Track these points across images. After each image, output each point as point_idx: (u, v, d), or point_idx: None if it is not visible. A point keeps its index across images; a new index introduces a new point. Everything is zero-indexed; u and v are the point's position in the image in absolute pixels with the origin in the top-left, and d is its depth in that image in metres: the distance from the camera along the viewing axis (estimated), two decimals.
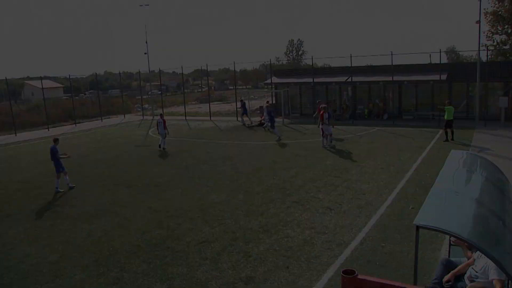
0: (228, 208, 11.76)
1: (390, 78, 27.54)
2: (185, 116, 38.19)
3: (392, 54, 27.43)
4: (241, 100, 31.81)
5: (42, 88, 41.71)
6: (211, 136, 25.40)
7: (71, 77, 43.71)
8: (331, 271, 7.81)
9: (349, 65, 29.29)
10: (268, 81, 37.12)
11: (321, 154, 18.06)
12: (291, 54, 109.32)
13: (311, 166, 16.08)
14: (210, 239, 9.69)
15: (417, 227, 4.78)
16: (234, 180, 14.82)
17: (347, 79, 29.87)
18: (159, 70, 44.57)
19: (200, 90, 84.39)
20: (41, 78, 45.07)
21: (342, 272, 7.11)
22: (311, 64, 34.43)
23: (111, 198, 13.73)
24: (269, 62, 38.39)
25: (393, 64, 27.64)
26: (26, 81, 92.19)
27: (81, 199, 13.84)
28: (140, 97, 49.24)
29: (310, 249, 8.84)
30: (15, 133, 34.12)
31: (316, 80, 30.96)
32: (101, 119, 41.88)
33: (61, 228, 11.24)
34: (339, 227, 9.95)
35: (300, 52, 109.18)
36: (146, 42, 43.56)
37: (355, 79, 29.70)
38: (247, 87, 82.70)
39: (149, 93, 48.89)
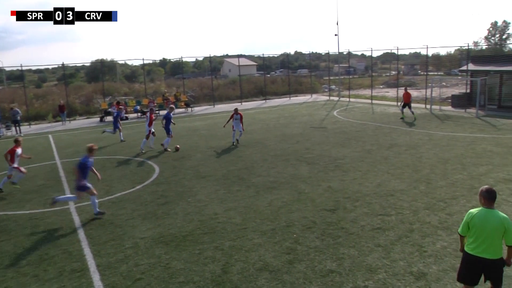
0: (408, 198, 11.44)
1: None
2: (371, 99, 37.63)
3: None
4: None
5: (239, 65, 45.38)
6: (396, 122, 24.65)
7: (264, 56, 46.36)
8: None
9: None
10: (464, 67, 34.27)
11: None
12: (493, 38, 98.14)
13: (506, 165, 14.49)
14: (385, 227, 9.60)
15: None
16: (417, 170, 14.26)
17: None
18: (348, 52, 44.55)
19: (388, 74, 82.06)
20: (238, 56, 48.96)
21: None
22: None
23: (293, 173, 14.50)
24: (467, 47, 35.46)
25: None
26: (225, 59, 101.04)
27: (266, 170, 14.93)
28: (327, 77, 50.00)
29: None
30: (214, 104, 37.94)
31: None
32: (289, 97, 43.85)
33: (246, 195, 12.35)
34: None
35: (504, 36, 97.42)
36: (337, 24, 43.89)
37: None
38: (439, 73, 77.38)
39: (337, 75, 49.26)
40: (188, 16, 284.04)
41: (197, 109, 37.13)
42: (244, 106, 38.46)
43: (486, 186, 5.90)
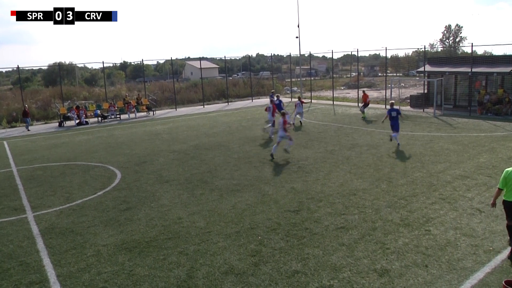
0: (370, 197, 11.65)
1: None
2: (333, 101, 38.16)
3: None
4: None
5: (201, 68, 45.19)
6: (357, 123, 25.09)
7: (226, 58, 46.25)
8: (474, 279, 7.27)
9: None
10: (421, 69, 35.26)
11: (474, 150, 16.73)
12: (447, 40, 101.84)
13: (462, 162, 15.02)
14: (348, 226, 9.74)
15: None
16: (378, 169, 14.55)
17: None
18: (309, 54, 45.04)
19: (349, 75, 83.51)
20: (200, 59, 48.78)
21: (505, 283, 6.80)
22: (469, 51, 31.69)
23: (256, 175, 14.52)
24: (423, 49, 36.47)
25: None
26: (187, 62, 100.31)
27: (229, 173, 14.88)
28: (289, 79, 50.40)
29: (453, 251, 8.36)
30: (176, 108, 37.58)
31: (474, 69, 28.30)
32: (252, 99, 43.94)
33: (209, 198, 12.27)
34: (488, 232, 9.21)
35: (457, 39, 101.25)
36: (298, 26, 44.41)
37: None
38: (398, 74, 79.34)
39: (299, 77, 49.76)
40: (149, 18, 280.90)
41: (159, 113, 36.69)
42: (207, 109, 38.28)
43: None
